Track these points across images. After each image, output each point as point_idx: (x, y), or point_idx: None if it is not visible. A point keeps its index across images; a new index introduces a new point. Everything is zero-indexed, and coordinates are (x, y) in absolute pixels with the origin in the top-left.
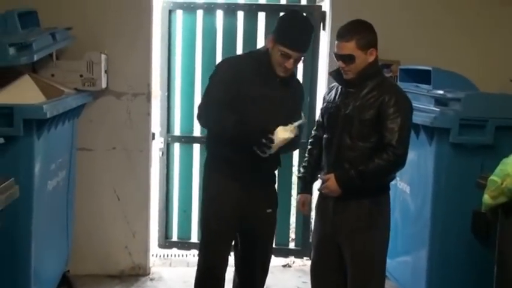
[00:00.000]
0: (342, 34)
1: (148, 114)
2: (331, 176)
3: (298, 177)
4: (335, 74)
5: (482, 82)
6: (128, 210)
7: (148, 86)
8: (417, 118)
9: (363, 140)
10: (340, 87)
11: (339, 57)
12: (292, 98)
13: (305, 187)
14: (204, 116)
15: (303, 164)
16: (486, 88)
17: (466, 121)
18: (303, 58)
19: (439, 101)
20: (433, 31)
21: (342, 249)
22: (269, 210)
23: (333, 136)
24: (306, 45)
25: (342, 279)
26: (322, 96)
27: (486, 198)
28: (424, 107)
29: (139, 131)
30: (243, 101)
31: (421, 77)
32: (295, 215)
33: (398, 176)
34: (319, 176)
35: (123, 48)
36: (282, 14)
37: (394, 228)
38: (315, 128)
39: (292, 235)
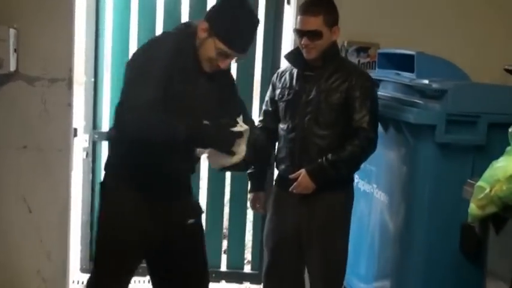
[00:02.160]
0: (308, 8)
1: (69, 105)
2: (302, 172)
3: (247, 174)
4: (293, 56)
5: (475, 71)
6: (42, 224)
7: (70, 70)
8: (398, 113)
9: (331, 127)
10: (294, 71)
11: (304, 33)
12: (227, 96)
13: (255, 184)
14: (139, 123)
15: None
16: (479, 78)
17: (454, 117)
18: (240, 59)
19: (423, 93)
20: (418, 9)
21: (304, 250)
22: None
23: (296, 125)
24: (250, 44)
25: (300, 284)
26: (270, 83)
27: (473, 208)
28: (405, 100)
29: (57, 126)
30: (170, 103)
31: (403, 63)
32: (251, 232)
33: (375, 183)
34: (290, 176)
35: (38, 22)
36: None
37: (370, 248)
38: (260, 119)
39: (248, 256)
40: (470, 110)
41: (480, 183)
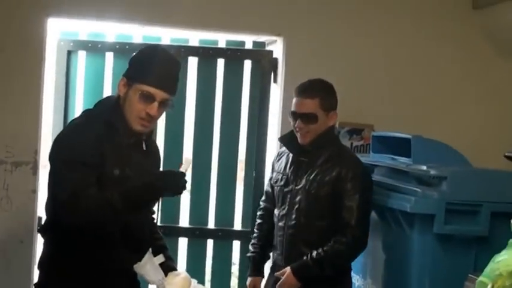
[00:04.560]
0: (304, 90)
1: (34, 191)
2: (287, 270)
3: (248, 257)
4: (287, 140)
5: (475, 156)
6: None
7: (36, 152)
8: (393, 201)
9: (319, 219)
10: (290, 154)
11: (299, 115)
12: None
13: (255, 268)
14: (81, 207)
15: (252, 241)
16: (480, 163)
17: (454, 206)
18: (169, 104)
19: (421, 180)
20: (414, 90)
21: None
22: None
23: (285, 214)
24: (174, 82)
25: None
26: (271, 162)
27: None
28: (401, 187)
29: (19, 215)
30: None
31: (399, 146)
32: None
33: (370, 278)
34: (275, 274)
35: (1, 98)
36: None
37: None
38: (263, 198)
39: None
40: (471, 198)
41: (481, 278)
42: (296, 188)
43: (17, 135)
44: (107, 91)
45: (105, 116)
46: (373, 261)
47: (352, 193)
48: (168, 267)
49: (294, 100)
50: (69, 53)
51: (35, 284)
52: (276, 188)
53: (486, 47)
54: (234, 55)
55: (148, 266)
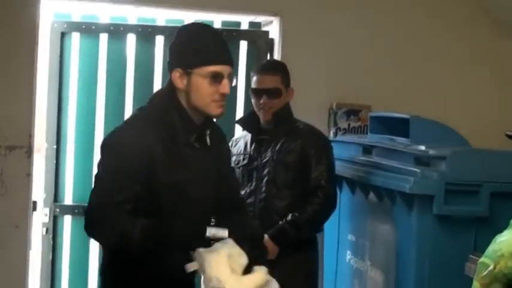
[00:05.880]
0: (267, 67)
1: (28, 175)
2: (265, 238)
3: None
4: (245, 121)
5: (475, 136)
6: None
7: (30, 136)
8: (392, 182)
9: (289, 187)
10: (248, 137)
11: (264, 91)
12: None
13: None
14: (100, 224)
15: None
16: (479, 143)
17: (454, 186)
18: (233, 77)
19: (420, 160)
20: (412, 69)
21: None
22: None
23: (253, 189)
24: (230, 52)
25: None
26: None
27: (476, 286)
28: (400, 168)
29: (14, 199)
30: (157, 195)
31: (397, 127)
32: None
33: (369, 260)
34: None
35: None
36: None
37: None
38: None
39: None
40: (471, 178)
41: (483, 259)
42: (262, 162)
43: (10, 119)
44: (101, 73)
45: (159, 115)
46: (371, 243)
47: (319, 156)
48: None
49: (256, 78)
50: (62, 34)
51: None
52: (237, 169)
53: (488, 28)
54: (230, 36)
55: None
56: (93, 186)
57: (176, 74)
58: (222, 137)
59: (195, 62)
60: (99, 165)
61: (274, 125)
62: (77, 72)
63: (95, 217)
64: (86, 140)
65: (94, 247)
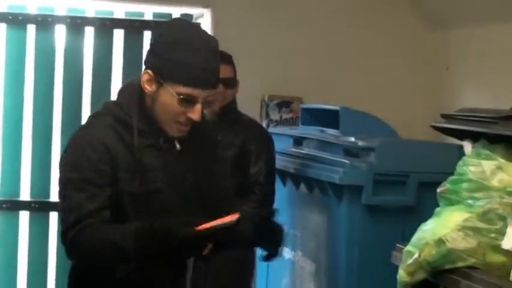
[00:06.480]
0: (221, 58)
1: None
2: None
3: None
4: None
5: (403, 127)
6: None
7: None
8: (322, 173)
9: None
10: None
11: (220, 81)
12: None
13: None
14: (83, 245)
15: None
16: (407, 134)
17: (382, 177)
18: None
19: (349, 151)
20: (344, 62)
21: None
22: None
23: None
24: (217, 73)
25: None
26: None
27: (402, 274)
28: (330, 159)
29: None
30: (123, 203)
31: (328, 119)
32: None
33: (300, 250)
34: None
35: None
36: (162, 27)
37: None
38: None
39: None
40: (398, 169)
41: (408, 247)
42: None
43: None
44: (29, 64)
45: (121, 114)
46: (302, 234)
47: (259, 152)
48: None
49: None
50: None
51: None
52: None
53: (413, 18)
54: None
55: None
56: (60, 203)
57: (146, 76)
58: (210, 141)
59: (169, 76)
60: (61, 177)
61: (219, 116)
62: (4, 64)
63: (74, 240)
64: (12, 130)
65: (23, 242)
